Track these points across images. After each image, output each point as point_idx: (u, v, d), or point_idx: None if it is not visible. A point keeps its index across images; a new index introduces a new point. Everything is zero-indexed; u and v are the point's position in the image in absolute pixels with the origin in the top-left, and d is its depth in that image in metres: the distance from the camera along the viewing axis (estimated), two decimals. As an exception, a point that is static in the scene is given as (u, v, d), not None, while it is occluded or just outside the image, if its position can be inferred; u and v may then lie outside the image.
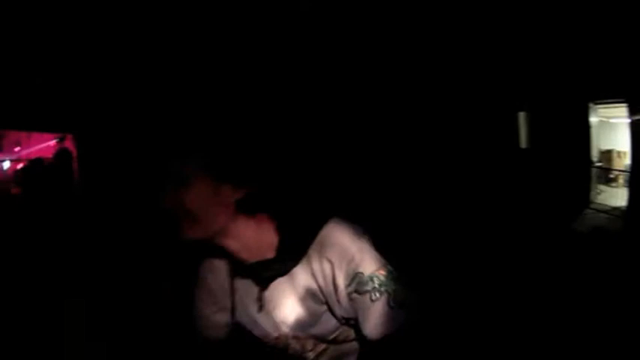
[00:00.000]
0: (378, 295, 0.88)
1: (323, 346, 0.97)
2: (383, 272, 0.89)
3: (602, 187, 5.17)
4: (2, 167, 8.01)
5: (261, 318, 0.98)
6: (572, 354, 1.96)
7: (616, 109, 5.28)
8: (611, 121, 5.90)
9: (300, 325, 0.96)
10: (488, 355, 1.94)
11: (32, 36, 2.99)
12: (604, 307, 2.24)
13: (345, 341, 0.97)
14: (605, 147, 5.67)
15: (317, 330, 0.95)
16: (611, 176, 5.73)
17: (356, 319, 0.92)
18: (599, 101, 4.63)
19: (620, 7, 3.11)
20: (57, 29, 2.96)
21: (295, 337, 0.97)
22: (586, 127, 4.59)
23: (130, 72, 3.29)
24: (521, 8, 3.25)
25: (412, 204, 3.36)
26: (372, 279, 0.89)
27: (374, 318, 0.89)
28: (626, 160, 5.16)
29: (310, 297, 0.93)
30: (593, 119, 4.80)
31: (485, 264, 2.76)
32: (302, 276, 0.93)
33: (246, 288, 0.98)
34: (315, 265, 0.91)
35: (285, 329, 0.97)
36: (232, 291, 1.01)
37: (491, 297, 2.39)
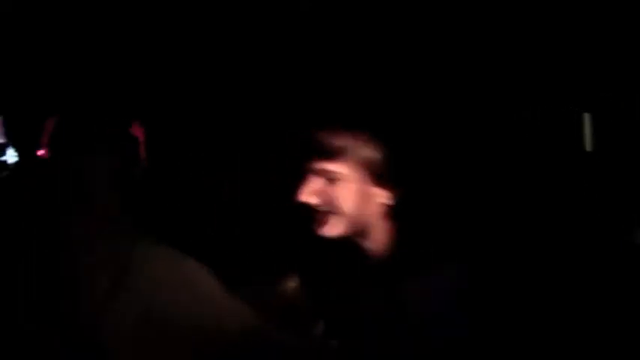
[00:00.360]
0: None
1: None
2: None
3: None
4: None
5: None
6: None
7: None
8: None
9: None
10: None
11: (95, 22, 3.09)
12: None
13: None
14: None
15: None
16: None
17: None
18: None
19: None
20: (122, 13, 3.04)
21: None
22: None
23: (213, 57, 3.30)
24: (584, 9, 3.17)
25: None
26: None
27: None
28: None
29: None
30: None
31: (540, 271, 2.70)
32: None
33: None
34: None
35: None
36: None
37: (545, 305, 2.34)
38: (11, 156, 3.27)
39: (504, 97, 3.83)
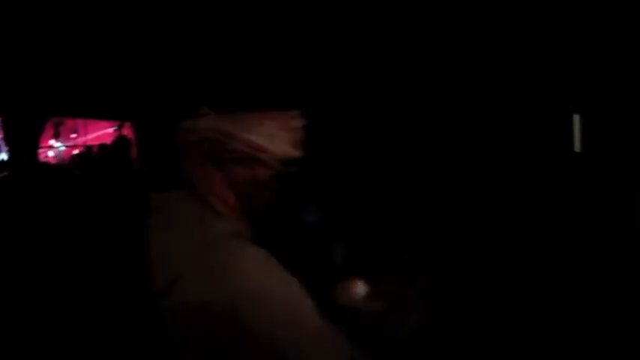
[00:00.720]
0: None
1: None
2: None
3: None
4: (59, 152, 8.49)
5: None
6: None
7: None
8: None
9: None
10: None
11: (89, 24, 3.09)
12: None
13: None
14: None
15: None
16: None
17: None
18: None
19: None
20: (115, 16, 3.04)
21: None
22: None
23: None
24: (574, 13, 3.18)
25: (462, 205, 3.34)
26: None
27: None
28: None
29: None
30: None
31: (531, 275, 2.71)
32: None
33: None
34: None
35: None
36: None
37: (538, 309, 2.34)
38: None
39: (494, 98, 3.85)
